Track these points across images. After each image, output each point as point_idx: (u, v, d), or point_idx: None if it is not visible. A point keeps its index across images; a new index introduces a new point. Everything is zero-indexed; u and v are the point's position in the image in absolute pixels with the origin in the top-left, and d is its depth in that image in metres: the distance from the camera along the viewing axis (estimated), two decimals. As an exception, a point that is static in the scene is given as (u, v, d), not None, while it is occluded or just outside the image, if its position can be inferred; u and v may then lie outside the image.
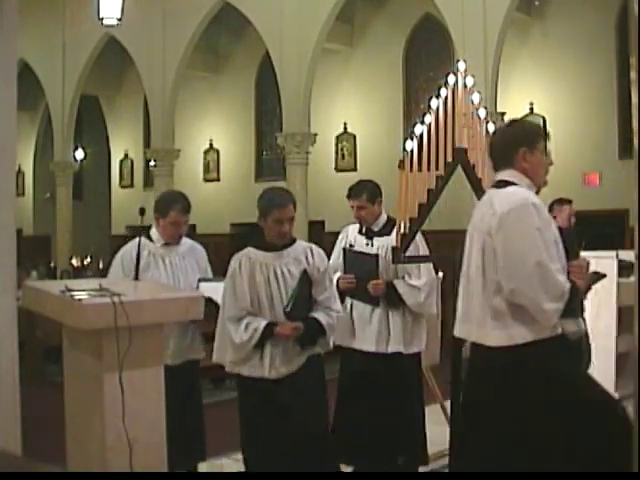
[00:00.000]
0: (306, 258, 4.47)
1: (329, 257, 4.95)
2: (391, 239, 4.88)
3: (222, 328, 4.55)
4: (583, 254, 3.93)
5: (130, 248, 4.95)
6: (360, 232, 5.24)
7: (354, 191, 5.29)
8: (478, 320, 3.38)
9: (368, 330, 5.12)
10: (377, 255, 5.09)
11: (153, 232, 5.08)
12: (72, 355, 3.90)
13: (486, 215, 3.55)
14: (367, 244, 5.17)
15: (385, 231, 5.15)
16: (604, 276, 4.37)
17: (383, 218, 5.30)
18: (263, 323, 4.39)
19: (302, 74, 14.79)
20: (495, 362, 3.34)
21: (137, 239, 4.80)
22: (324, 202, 15.71)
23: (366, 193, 5.27)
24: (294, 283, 4.44)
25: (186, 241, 5.20)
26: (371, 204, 5.24)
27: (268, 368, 4.40)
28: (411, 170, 5.31)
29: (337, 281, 4.96)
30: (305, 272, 4.43)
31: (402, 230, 4.62)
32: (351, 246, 5.19)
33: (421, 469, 5.44)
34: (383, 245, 5.11)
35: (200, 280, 5.00)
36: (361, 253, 5.11)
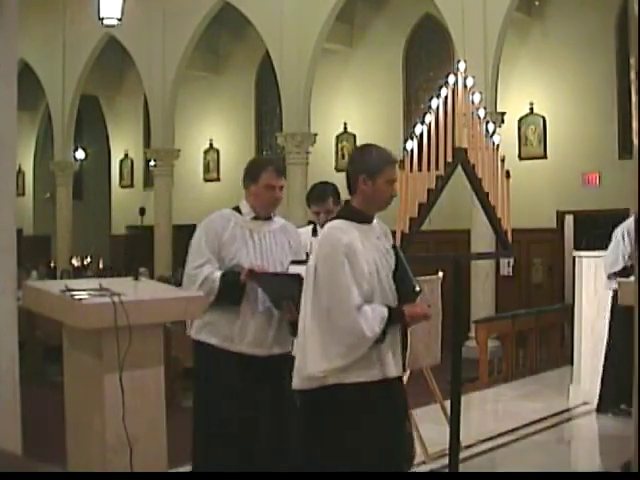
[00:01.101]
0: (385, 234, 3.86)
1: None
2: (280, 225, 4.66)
3: (326, 327, 3.52)
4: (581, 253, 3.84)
5: (216, 218, 4.55)
6: (316, 236, 4.78)
7: (318, 196, 5.10)
8: None
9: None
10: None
11: (242, 204, 4.59)
12: (72, 355, 3.90)
13: None
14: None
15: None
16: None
17: None
18: (384, 308, 3.55)
19: (302, 74, 14.80)
20: None
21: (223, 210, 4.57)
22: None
23: (332, 196, 5.10)
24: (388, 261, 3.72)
25: (279, 219, 4.66)
26: (336, 207, 4.89)
27: (394, 365, 3.62)
28: (411, 170, 5.32)
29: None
30: (395, 247, 3.82)
31: (402, 229, 4.60)
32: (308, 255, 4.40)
33: (421, 469, 5.44)
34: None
35: (292, 262, 4.49)
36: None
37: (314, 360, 3.48)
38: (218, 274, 4.33)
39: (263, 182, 4.47)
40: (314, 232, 5.08)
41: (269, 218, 4.54)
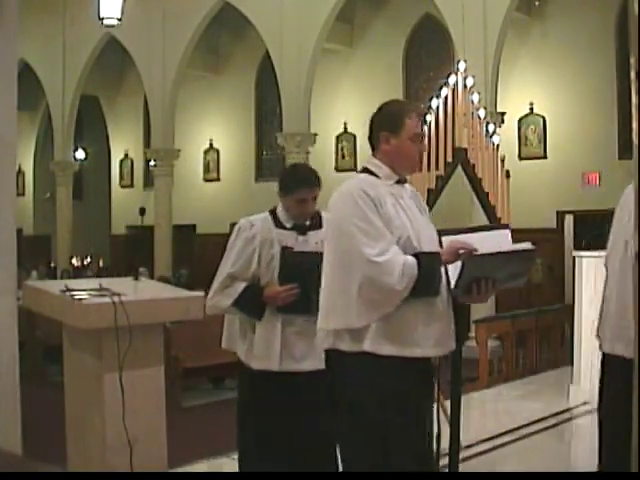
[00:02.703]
0: None
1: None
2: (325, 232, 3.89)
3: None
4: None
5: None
6: (280, 226, 4.11)
7: (308, 178, 4.16)
8: None
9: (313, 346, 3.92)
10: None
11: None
12: (72, 355, 3.90)
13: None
14: (299, 240, 4.09)
15: (316, 223, 4.15)
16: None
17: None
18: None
19: (302, 74, 14.80)
20: None
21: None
22: (324, 202, 15.67)
23: (319, 180, 4.27)
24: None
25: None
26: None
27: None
28: (411, 170, 5.31)
29: (265, 295, 3.99)
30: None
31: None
32: (286, 248, 4.05)
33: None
34: (320, 240, 3.97)
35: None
36: (309, 253, 4.04)
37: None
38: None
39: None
40: (278, 223, 4.16)
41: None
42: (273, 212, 4.18)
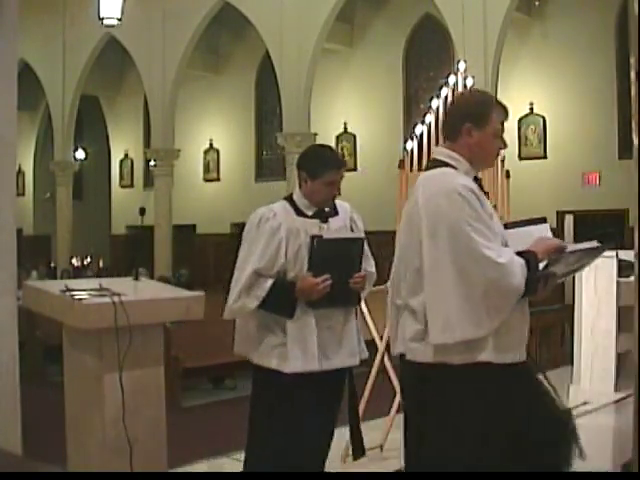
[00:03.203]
0: None
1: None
2: (344, 219, 3.90)
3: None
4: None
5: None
6: (301, 214, 3.82)
7: (338, 160, 3.96)
8: None
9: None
10: (362, 238, 3.87)
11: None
12: (72, 355, 3.90)
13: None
14: (324, 228, 3.85)
15: (333, 209, 3.91)
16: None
17: None
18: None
19: (302, 74, 14.80)
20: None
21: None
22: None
23: (344, 160, 4.11)
24: None
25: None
26: None
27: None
28: (411, 170, 5.32)
29: (299, 289, 3.68)
30: None
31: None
32: (315, 236, 3.76)
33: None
34: (340, 228, 3.88)
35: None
36: (341, 240, 3.86)
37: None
38: None
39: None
40: (298, 211, 3.86)
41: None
42: (290, 200, 3.85)
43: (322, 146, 4.18)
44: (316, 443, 3.83)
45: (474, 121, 3.10)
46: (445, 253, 2.88)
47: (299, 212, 3.80)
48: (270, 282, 3.66)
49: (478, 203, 2.92)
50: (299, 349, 3.68)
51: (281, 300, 3.67)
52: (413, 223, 3.00)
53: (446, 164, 3.08)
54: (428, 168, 3.19)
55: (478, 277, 2.84)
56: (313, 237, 3.71)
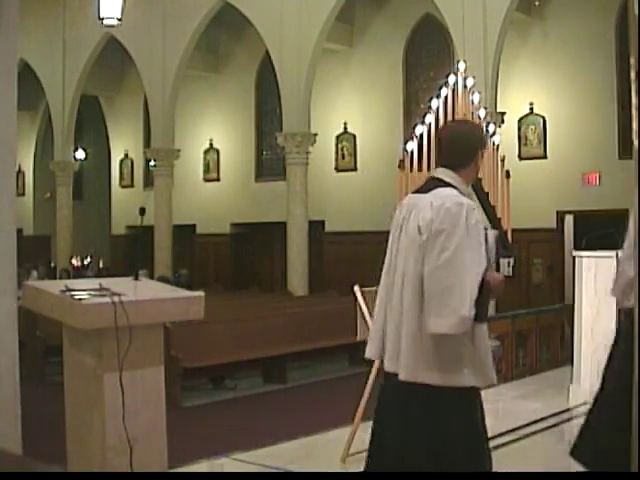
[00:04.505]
0: None
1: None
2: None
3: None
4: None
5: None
6: None
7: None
8: None
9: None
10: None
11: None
12: (72, 355, 3.90)
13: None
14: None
15: None
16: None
17: None
18: None
19: (302, 74, 14.80)
20: None
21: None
22: (324, 202, 15.73)
23: None
24: None
25: None
26: None
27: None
28: (411, 170, 5.32)
29: (493, 286, 3.34)
30: None
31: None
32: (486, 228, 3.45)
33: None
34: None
35: None
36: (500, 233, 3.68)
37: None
38: None
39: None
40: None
41: None
42: (452, 187, 3.36)
43: (464, 122, 4.03)
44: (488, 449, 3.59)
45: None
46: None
47: None
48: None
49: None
50: (487, 359, 3.40)
51: (486, 303, 3.29)
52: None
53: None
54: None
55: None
56: (486, 229, 3.35)
